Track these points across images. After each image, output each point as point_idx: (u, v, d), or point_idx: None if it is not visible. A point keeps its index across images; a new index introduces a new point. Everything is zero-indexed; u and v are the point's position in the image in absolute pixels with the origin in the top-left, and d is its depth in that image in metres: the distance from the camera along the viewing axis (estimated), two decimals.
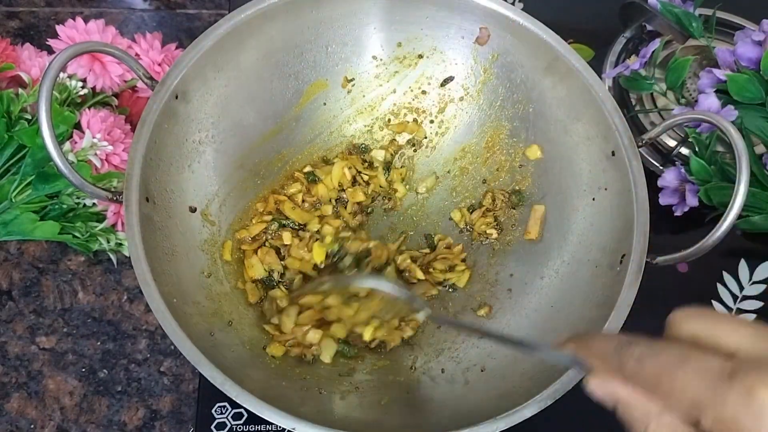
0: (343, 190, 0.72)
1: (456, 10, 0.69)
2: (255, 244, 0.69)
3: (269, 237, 0.69)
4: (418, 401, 0.61)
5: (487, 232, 0.72)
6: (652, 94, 0.79)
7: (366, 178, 0.74)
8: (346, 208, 0.72)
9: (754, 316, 0.71)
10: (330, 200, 0.72)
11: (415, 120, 0.76)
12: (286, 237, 0.69)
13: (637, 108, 0.79)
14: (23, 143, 0.66)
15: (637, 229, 0.59)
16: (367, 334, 0.65)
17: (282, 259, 0.69)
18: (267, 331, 0.65)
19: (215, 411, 0.65)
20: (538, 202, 0.71)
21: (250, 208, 0.71)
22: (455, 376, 0.63)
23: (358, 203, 0.73)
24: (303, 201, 0.71)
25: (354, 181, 0.73)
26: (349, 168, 0.72)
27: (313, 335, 0.64)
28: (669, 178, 0.72)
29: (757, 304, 0.72)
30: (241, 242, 0.69)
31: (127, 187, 0.57)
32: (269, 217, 0.70)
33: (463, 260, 0.71)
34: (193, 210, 0.65)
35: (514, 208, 0.72)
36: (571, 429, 0.66)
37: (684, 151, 0.76)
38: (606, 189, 0.64)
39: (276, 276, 0.68)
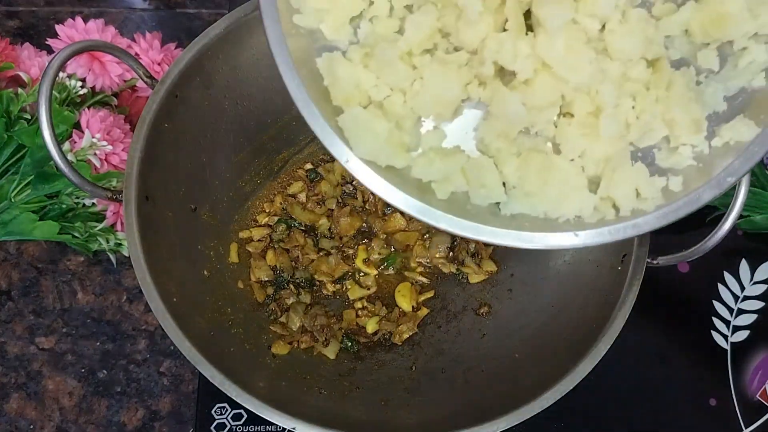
0: (349, 182, 0.72)
1: None
2: (261, 245, 0.69)
3: (278, 238, 0.70)
4: (418, 401, 0.61)
5: None
6: None
7: None
8: (356, 198, 0.72)
9: (755, 316, 0.71)
10: (334, 197, 0.72)
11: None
12: (299, 238, 0.69)
13: None
14: (23, 143, 0.66)
15: None
16: (370, 326, 0.66)
17: (294, 260, 0.69)
18: (272, 330, 0.65)
19: (215, 412, 0.65)
20: None
21: (251, 207, 0.71)
22: (455, 376, 0.63)
23: None
24: (307, 200, 0.72)
25: None
26: None
27: (323, 320, 0.65)
28: None
29: (759, 305, 0.72)
30: (245, 243, 0.69)
31: (127, 186, 0.57)
32: (275, 218, 0.70)
33: (491, 256, 0.71)
34: (193, 209, 0.65)
35: None
36: (571, 428, 0.66)
37: None
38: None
39: (287, 276, 0.68)
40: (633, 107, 0.43)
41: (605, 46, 0.42)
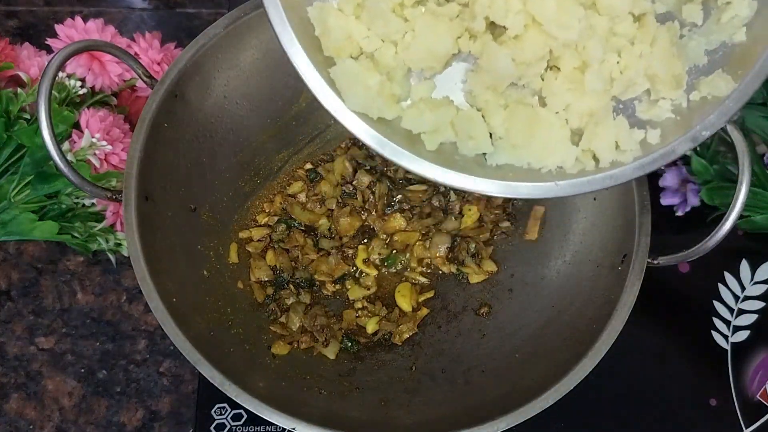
0: (350, 182, 0.72)
1: None
2: (260, 245, 0.69)
3: (278, 238, 0.70)
4: (418, 401, 0.61)
5: (501, 225, 0.71)
6: None
7: (369, 166, 0.73)
8: (356, 197, 0.72)
9: (756, 316, 0.71)
10: (334, 197, 0.72)
11: None
12: (299, 238, 0.69)
13: None
14: (22, 143, 0.66)
15: (638, 229, 0.59)
16: (370, 327, 0.66)
17: (294, 260, 0.69)
18: (272, 330, 0.65)
19: (215, 412, 0.65)
20: (538, 202, 0.71)
21: (251, 207, 0.71)
22: (455, 376, 0.63)
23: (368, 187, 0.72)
24: (307, 200, 0.71)
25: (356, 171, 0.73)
26: (350, 160, 0.72)
27: (323, 320, 0.65)
28: (670, 178, 0.72)
29: (759, 305, 0.72)
30: (245, 243, 0.69)
31: (126, 186, 0.57)
32: (275, 218, 0.70)
33: (491, 256, 0.71)
34: (193, 209, 0.65)
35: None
36: (571, 429, 0.66)
37: None
38: (607, 189, 0.64)
39: (287, 276, 0.68)
40: (618, 62, 0.44)
41: (594, 1, 0.43)
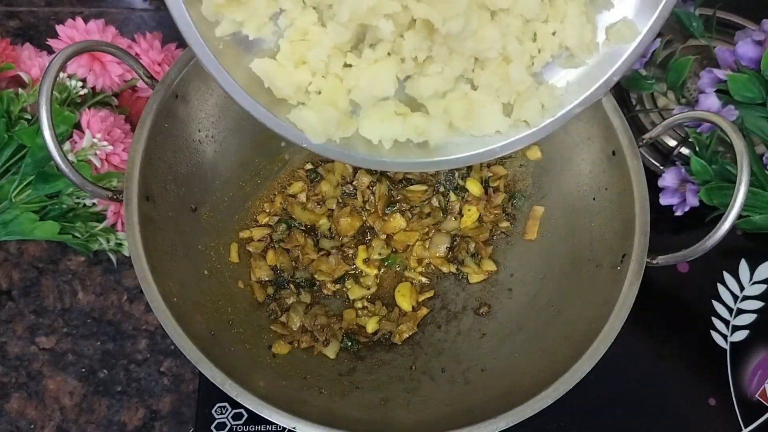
0: (350, 182, 0.72)
1: None
2: (261, 245, 0.69)
3: (279, 237, 0.70)
4: (418, 400, 0.61)
5: (500, 225, 0.72)
6: (652, 93, 0.79)
7: None
8: (356, 197, 0.72)
9: (755, 316, 0.71)
10: (334, 197, 0.72)
11: None
12: (299, 238, 0.69)
13: (638, 108, 0.79)
14: (23, 143, 0.66)
15: (637, 229, 0.59)
16: (370, 326, 0.67)
17: (294, 260, 0.69)
18: (273, 330, 0.65)
19: (215, 411, 0.65)
20: (538, 202, 0.71)
21: (251, 207, 0.71)
22: (455, 376, 0.63)
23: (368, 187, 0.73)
24: (307, 200, 0.72)
25: (356, 171, 0.73)
26: None
27: (323, 319, 0.66)
28: (669, 178, 0.72)
29: (758, 304, 0.72)
30: (245, 242, 0.69)
31: (128, 186, 0.57)
32: (275, 218, 0.71)
33: (491, 256, 0.71)
34: (193, 209, 0.65)
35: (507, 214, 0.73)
36: (571, 428, 0.66)
37: (684, 151, 0.76)
38: (606, 189, 0.64)
39: (287, 276, 0.68)
40: (534, 43, 0.49)
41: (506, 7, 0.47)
